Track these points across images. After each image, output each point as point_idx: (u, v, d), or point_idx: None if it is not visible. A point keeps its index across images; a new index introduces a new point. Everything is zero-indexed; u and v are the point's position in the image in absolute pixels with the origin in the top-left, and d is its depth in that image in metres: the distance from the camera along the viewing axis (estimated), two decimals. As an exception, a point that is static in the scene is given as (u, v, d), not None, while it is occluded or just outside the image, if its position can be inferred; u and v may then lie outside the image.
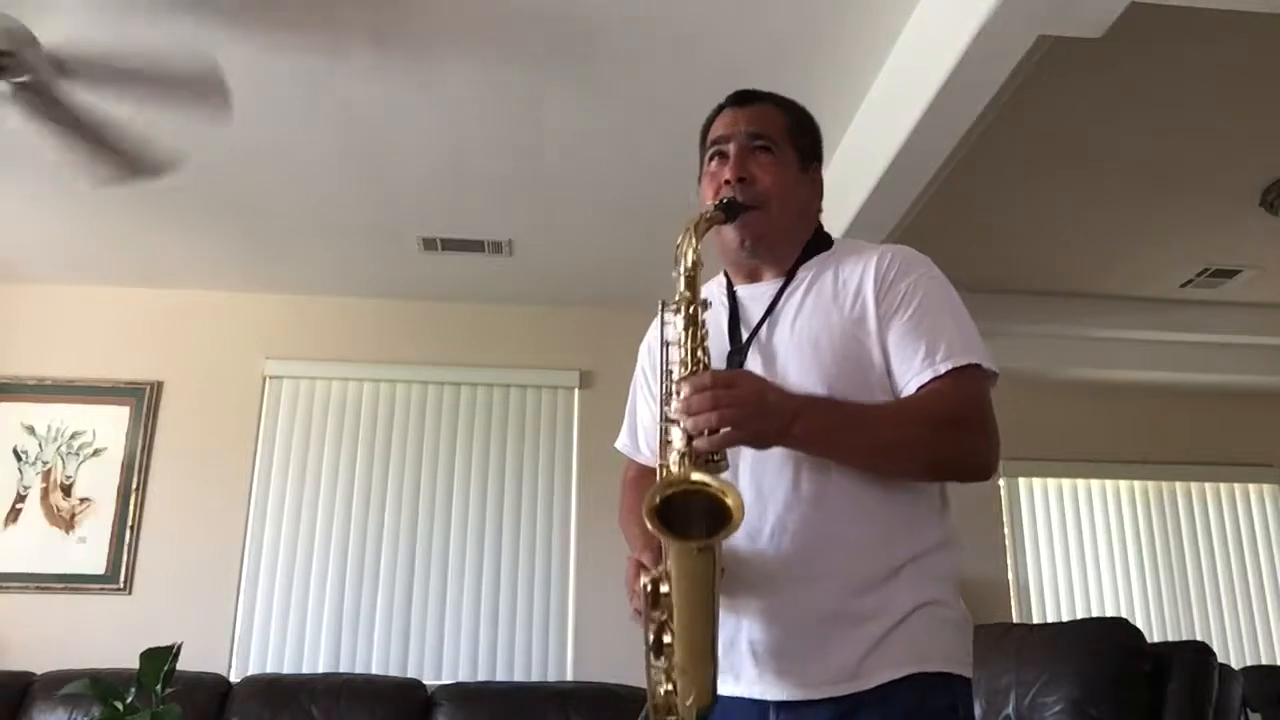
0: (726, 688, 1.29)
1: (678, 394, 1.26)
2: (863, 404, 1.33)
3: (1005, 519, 4.81)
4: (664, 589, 1.21)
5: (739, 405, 1.20)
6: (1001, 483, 4.85)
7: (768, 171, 1.46)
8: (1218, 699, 2.39)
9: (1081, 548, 4.86)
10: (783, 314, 1.43)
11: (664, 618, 1.21)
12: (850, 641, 1.28)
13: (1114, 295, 4.56)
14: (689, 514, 1.21)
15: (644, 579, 1.22)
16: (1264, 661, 4.73)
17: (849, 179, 3.22)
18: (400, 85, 3.01)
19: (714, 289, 1.53)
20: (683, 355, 1.31)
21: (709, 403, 1.20)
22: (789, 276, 1.47)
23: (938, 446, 1.30)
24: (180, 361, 4.41)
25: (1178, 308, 4.60)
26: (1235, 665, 4.46)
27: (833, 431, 1.28)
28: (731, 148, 1.48)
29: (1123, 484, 4.97)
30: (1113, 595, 4.80)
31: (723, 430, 1.20)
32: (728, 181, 1.45)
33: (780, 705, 1.30)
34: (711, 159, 1.51)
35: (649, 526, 1.17)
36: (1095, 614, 4.67)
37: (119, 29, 2.63)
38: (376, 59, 2.88)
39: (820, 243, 1.52)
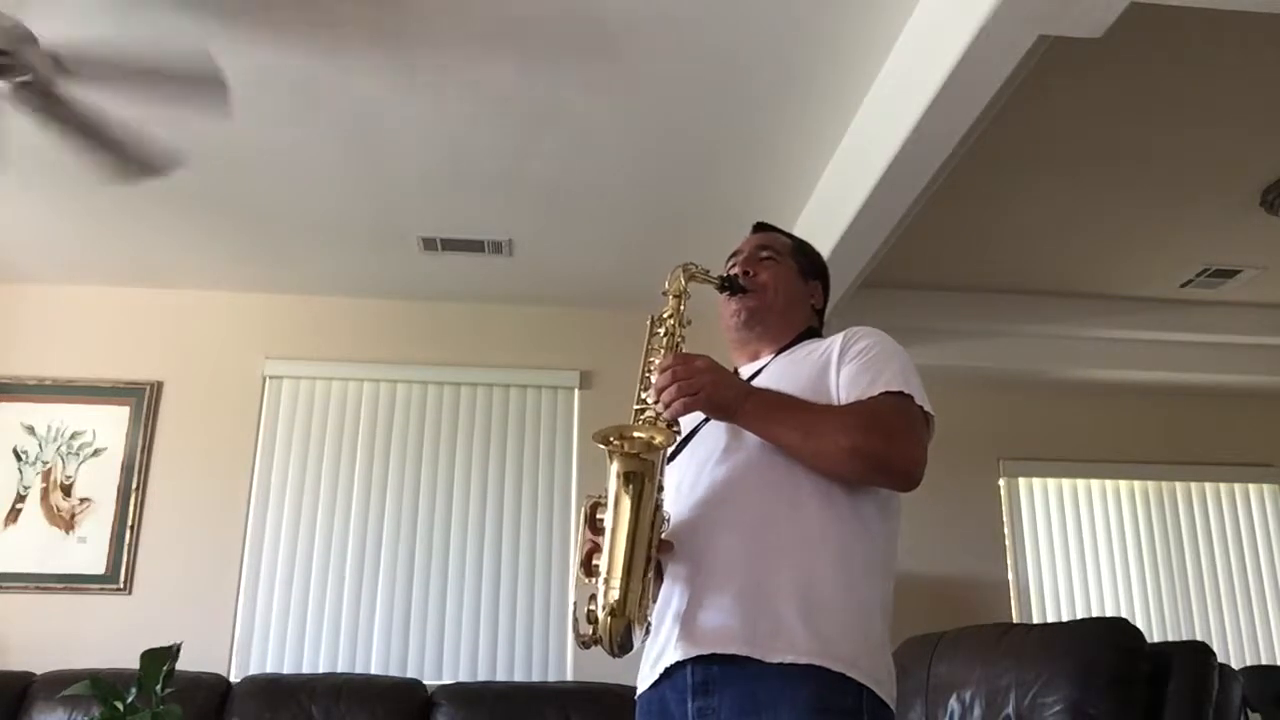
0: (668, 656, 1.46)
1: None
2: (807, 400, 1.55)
3: (1005, 519, 4.81)
4: (600, 515, 1.42)
5: (695, 378, 1.45)
6: (1001, 483, 4.84)
7: (769, 271, 1.74)
8: (1218, 699, 2.38)
9: (1081, 548, 4.86)
10: (766, 370, 1.67)
11: (597, 540, 1.42)
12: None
13: (1114, 295, 4.56)
14: None
15: (586, 504, 1.47)
16: (1264, 661, 4.73)
17: (849, 179, 3.22)
18: (400, 85, 3.01)
19: None
20: (662, 360, 1.56)
21: (669, 377, 1.45)
22: (781, 351, 1.71)
23: (863, 435, 1.45)
24: (180, 361, 4.41)
25: (1178, 308, 4.60)
26: (1235, 665, 4.46)
27: (776, 410, 1.50)
28: (742, 256, 1.78)
29: (1122, 484, 4.97)
30: (1113, 595, 4.80)
31: (681, 399, 1.44)
32: (734, 269, 1.74)
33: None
34: (727, 265, 1.81)
35: (594, 440, 1.43)
36: (1095, 614, 4.67)
37: (117, 29, 2.64)
38: (377, 59, 2.88)
39: (813, 335, 1.76)
